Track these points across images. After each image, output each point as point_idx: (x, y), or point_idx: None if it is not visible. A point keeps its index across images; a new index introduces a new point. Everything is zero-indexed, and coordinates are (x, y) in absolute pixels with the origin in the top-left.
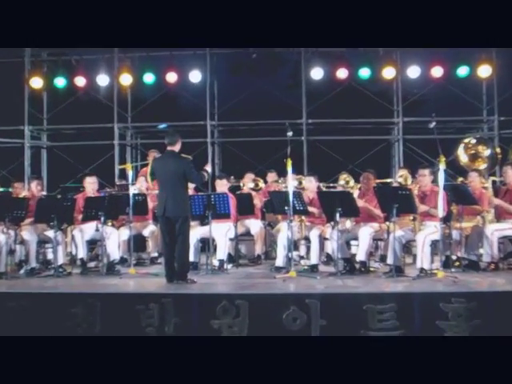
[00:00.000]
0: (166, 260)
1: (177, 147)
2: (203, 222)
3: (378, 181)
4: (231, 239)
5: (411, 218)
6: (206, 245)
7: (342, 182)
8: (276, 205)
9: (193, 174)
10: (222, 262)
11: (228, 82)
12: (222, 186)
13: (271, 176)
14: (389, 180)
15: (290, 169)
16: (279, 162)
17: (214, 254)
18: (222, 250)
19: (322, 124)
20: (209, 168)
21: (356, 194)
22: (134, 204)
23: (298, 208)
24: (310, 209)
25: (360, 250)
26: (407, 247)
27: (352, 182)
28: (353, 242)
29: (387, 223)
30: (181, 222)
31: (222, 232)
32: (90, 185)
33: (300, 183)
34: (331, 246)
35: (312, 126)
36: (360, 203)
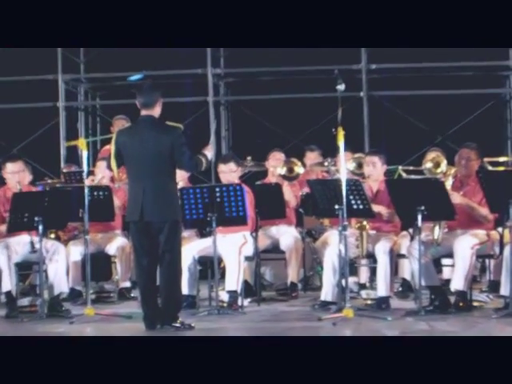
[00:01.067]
0: (144, 293)
1: (156, 111)
2: (203, 231)
3: (486, 160)
4: (248, 258)
5: None
6: (209, 268)
7: (428, 165)
8: (320, 202)
9: (184, 155)
10: (234, 295)
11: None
12: (229, 172)
13: (312, 156)
14: (503, 159)
15: (342, 144)
16: (325, 133)
17: (221, 282)
18: (235, 277)
19: (392, 71)
20: (210, 152)
21: (449, 183)
22: (91, 204)
23: (355, 207)
24: (376, 208)
25: (457, 274)
26: None
27: (444, 165)
28: (445, 261)
29: (500, 230)
30: (167, 232)
31: (233, 248)
32: (14, 176)
33: (359, 167)
34: (409, 268)
35: (377, 75)
36: (456, 198)
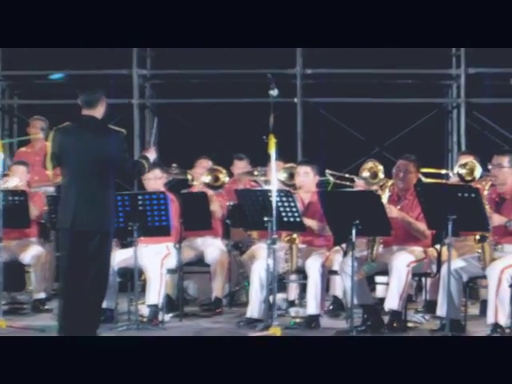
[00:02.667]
0: (66, 305)
1: (99, 111)
2: (124, 241)
3: (425, 173)
4: (171, 271)
5: (477, 237)
6: (129, 280)
7: (364, 175)
8: (249, 213)
9: (127, 161)
10: (155, 309)
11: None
12: (154, 179)
13: (241, 165)
14: (443, 172)
15: (273, 153)
16: (255, 140)
17: (141, 295)
18: (156, 290)
19: (328, 77)
20: (152, 154)
21: (386, 196)
22: (4, 209)
23: (286, 219)
24: (307, 221)
25: (391, 293)
26: (471, 288)
27: (381, 175)
28: (379, 279)
29: (437, 247)
30: (97, 243)
31: (155, 259)
32: None
33: (290, 177)
34: (342, 285)
35: (312, 80)
36: (393, 212)
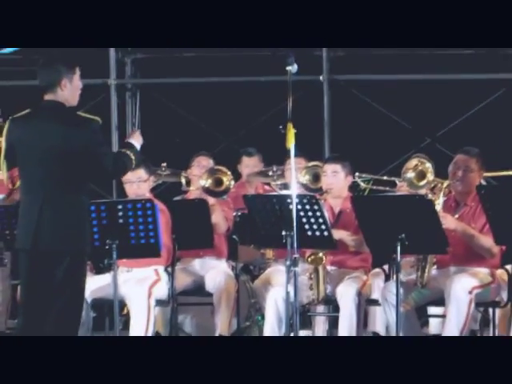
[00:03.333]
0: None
1: (64, 95)
2: (99, 264)
3: (490, 174)
4: (162, 303)
5: None
6: (107, 315)
7: (409, 176)
8: (262, 226)
9: (106, 156)
10: None
11: None
12: (138, 182)
13: (251, 163)
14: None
15: (292, 147)
16: (269, 131)
17: (123, 334)
18: (142, 327)
19: (363, 50)
20: (138, 140)
21: (440, 202)
22: None
23: (310, 233)
24: (337, 234)
25: (449, 328)
26: None
27: (430, 176)
28: (433, 310)
29: (509, 268)
30: (68, 265)
31: (140, 287)
32: None
33: (315, 179)
34: (384, 318)
35: (342, 53)
36: (450, 223)
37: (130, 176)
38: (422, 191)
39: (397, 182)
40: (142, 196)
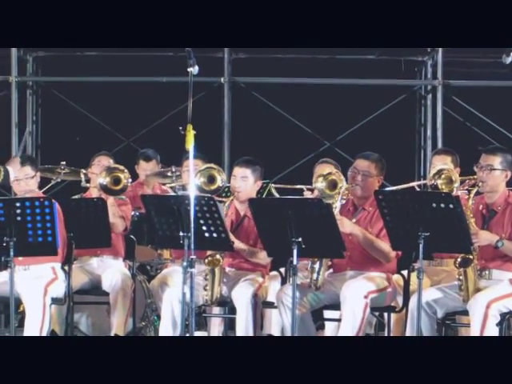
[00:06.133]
0: None
1: None
2: None
3: (390, 189)
4: (57, 301)
5: (458, 260)
6: (2, 313)
7: (320, 185)
8: (159, 227)
9: None
10: None
11: None
12: (25, 180)
13: (148, 167)
14: (413, 184)
15: (191, 148)
16: (168, 131)
17: (19, 332)
18: (37, 325)
19: (264, 50)
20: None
21: (337, 205)
22: None
23: (208, 235)
24: (235, 240)
25: (344, 332)
26: (448, 326)
27: (344, 185)
28: (328, 314)
29: (404, 273)
30: None
31: (36, 285)
32: None
33: (209, 180)
34: (279, 321)
35: (244, 55)
36: (346, 226)
37: (17, 173)
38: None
39: (305, 191)
40: (31, 192)
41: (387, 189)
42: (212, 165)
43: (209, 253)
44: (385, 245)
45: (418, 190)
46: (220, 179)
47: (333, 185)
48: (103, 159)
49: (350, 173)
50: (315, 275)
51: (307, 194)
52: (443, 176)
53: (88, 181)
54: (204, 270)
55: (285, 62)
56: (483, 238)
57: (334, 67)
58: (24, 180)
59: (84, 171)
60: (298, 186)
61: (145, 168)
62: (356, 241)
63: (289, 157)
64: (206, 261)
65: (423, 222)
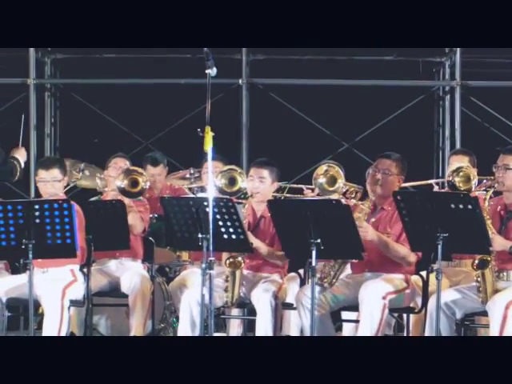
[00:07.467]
0: None
1: None
2: (15, 264)
3: (408, 184)
4: (76, 303)
5: (476, 261)
6: (22, 315)
7: (320, 181)
8: (177, 229)
9: None
10: None
11: None
12: (52, 182)
13: (155, 172)
14: (431, 182)
15: (210, 149)
16: (186, 133)
17: (38, 334)
18: (55, 328)
19: (282, 52)
20: (21, 155)
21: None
22: None
23: (226, 237)
24: (253, 241)
25: (362, 333)
26: (467, 327)
27: (341, 180)
28: (346, 315)
29: (423, 274)
30: None
31: (55, 288)
32: None
33: (230, 182)
34: (298, 322)
35: (262, 56)
36: (370, 235)
37: (44, 175)
38: (334, 196)
39: (304, 190)
40: (56, 195)
41: (403, 184)
42: (234, 166)
43: (228, 255)
44: (404, 249)
45: (436, 190)
46: (241, 181)
47: (332, 180)
48: (119, 161)
49: (370, 171)
50: (333, 273)
51: (307, 193)
52: (461, 174)
53: (104, 186)
54: (223, 271)
55: (303, 64)
56: (498, 243)
57: (352, 68)
58: (51, 182)
59: (100, 175)
60: (298, 186)
61: (152, 173)
62: (373, 243)
63: (307, 158)
64: (228, 262)
65: (442, 222)
